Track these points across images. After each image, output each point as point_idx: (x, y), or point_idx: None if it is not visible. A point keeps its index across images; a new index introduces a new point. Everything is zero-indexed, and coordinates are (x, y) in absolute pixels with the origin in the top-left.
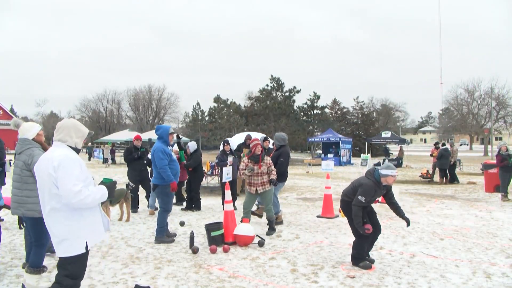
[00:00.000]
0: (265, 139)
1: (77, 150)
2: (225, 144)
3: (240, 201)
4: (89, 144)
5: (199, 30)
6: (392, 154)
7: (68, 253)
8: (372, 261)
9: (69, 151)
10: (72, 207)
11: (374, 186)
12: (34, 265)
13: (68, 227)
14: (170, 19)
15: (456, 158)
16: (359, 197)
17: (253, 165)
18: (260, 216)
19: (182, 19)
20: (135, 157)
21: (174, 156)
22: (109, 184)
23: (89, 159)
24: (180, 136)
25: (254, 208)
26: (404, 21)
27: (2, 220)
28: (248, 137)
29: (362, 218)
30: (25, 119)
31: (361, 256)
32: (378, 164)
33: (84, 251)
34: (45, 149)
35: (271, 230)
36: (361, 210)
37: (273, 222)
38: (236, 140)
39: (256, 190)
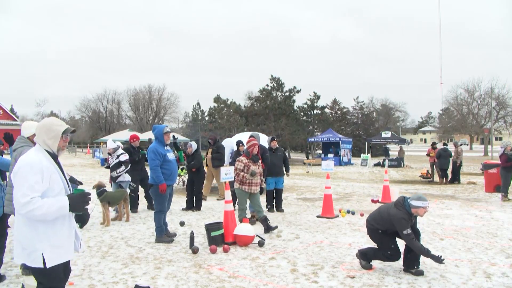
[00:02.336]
0: (272, 139)
1: (54, 155)
2: (240, 144)
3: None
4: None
5: (198, 30)
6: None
7: (28, 263)
8: (421, 273)
9: (38, 156)
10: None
11: (408, 216)
12: (27, 266)
13: (25, 237)
14: (169, 19)
15: (462, 158)
16: (405, 232)
17: (253, 165)
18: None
19: (181, 19)
20: (136, 159)
21: (170, 157)
22: (75, 195)
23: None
24: (176, 137)
25: (248, 215)
26: (403, 21)
27: (9, 227)
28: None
29: (394, 243)
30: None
31: (369, 258)
32: (378, 164)
33: (41, 266)
34: None
35: (268, 229)
36: (414, 237)
37: (267, 220)
38: (235, 140)
39: (256, 189)
